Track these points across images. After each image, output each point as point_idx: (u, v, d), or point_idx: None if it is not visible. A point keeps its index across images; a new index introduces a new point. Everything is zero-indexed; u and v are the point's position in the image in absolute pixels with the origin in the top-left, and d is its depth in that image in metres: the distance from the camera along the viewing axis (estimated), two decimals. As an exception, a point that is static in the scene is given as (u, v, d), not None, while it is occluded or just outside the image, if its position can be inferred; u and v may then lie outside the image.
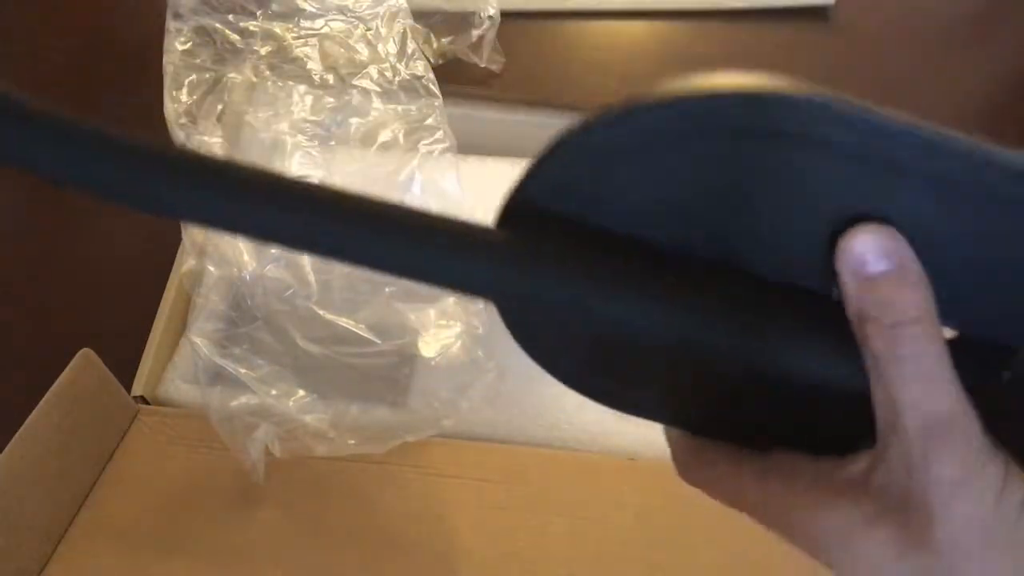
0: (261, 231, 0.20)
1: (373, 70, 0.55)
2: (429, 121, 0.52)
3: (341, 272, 0.49)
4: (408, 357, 0.51)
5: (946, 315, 0.21)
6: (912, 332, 0.20)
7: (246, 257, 0.49)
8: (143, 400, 0.53)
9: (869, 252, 0.20)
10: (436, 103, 0.54)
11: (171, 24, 0.55)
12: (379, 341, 0.48)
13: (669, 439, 0.25)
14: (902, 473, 0.20)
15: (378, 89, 0.54)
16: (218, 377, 0.49)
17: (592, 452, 0.52)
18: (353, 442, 0.47)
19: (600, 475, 0.50)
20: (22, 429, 0.45)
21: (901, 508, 0.20)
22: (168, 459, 0.51)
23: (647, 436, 0.52)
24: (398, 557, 0.47)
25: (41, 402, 0.46)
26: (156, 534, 0.48)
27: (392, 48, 0.56)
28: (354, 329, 0.48)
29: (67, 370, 0.47)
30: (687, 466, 0.24)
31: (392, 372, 0.50)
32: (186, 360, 0.55)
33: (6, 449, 0.44)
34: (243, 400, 0.47)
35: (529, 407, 0.53)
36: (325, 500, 0.49)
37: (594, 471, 0.50)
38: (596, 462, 0.51)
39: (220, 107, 0.54)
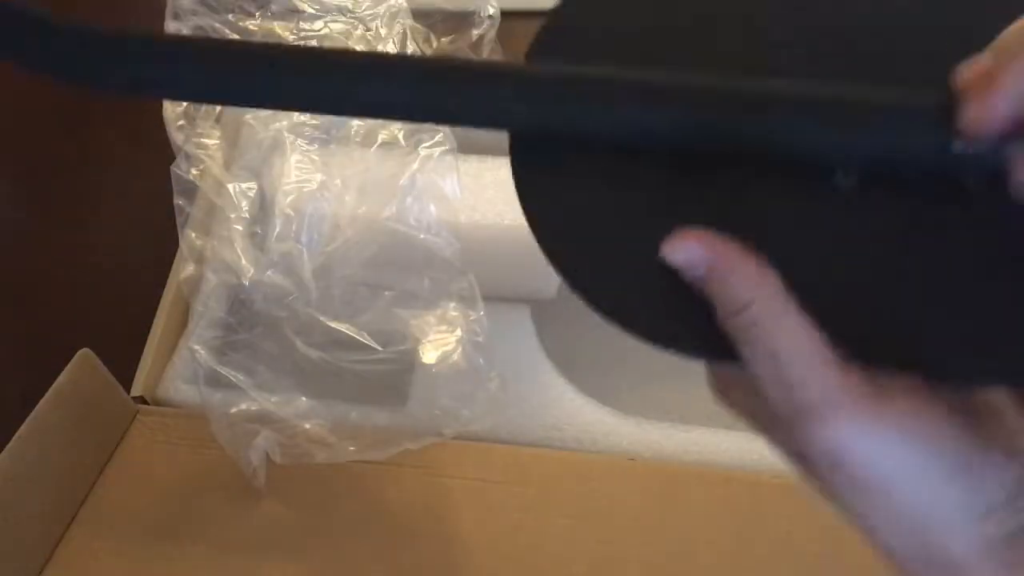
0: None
1: (373, 71, 0.55)
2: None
3: (341, 278, 0.49)
4: (408, 363, 0.51)
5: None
6: (746, 318, 0.21)
7: (244, 263, 0.49)
8: (142, 400, 0.53)
9: (681, 264, 0.22)
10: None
11: (170, 24, 0.55)
12: (379, 347, 0.48)
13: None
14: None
15: (378, 90, 0.54)
16: (218, 383, 0.49)
17: (592, 452, 0.52)
18: (353, 448, 0.47)
19: (600, 475, 0.50)
20: (22, 429, 0.45)
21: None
22: (167, 459, 0.51)
23: (647, 436, 0.52)
24: (399, 556, 0.47)
25: (41, 402, 0.46)
26: (156, 533, 0.48)
27: (392, 49, 0.56)
28: (354, 335, 0.48)
29: (67, 370, 0.47)
30: (723, 390, 0.25)
31: (392, 378, 0.50)
32: (185, 361, 0.55)
33: (6, 449, 0.44)
34: (243, 407, 0.47)
35: (529, 407, 0.53)
36: (325, 500, 0.49)
37: (594, 471, 0.50)
38: (596, 462, 0.51)
39: (219, 108, 0.53)
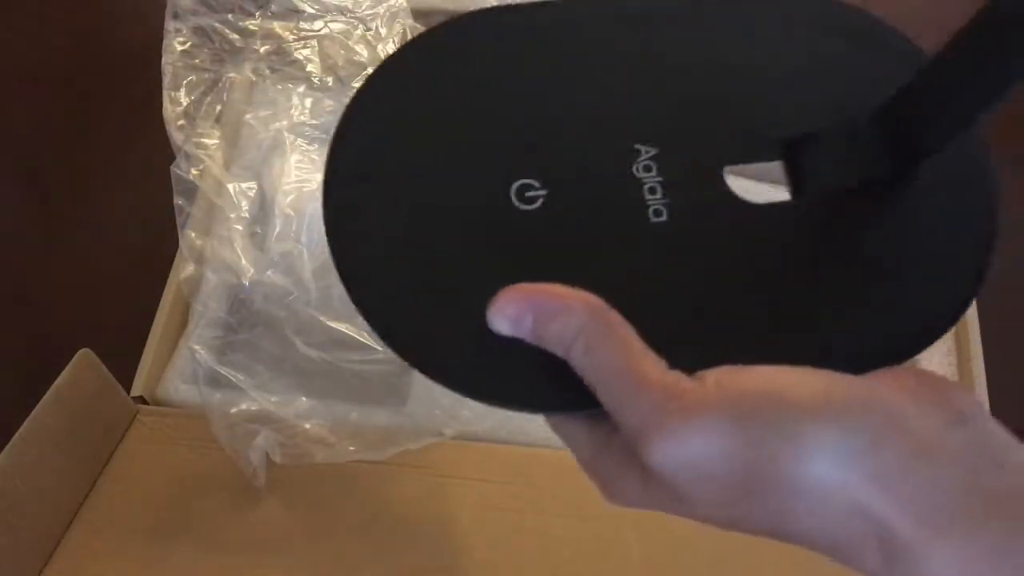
0: None
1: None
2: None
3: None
4: (408, 363, 0.50)
5: None
6: (578, 350, 0.21)
7: (244, 263, 0.49)
8: (142, 400, 0.53)
9: (502, 328, 0.22)
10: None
11: (170, 24, 0.55)
12: (379, 347, 0.48)
13: (576, 450, 0.24)
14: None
15: (378, 90, 0.54)
16: (218, 383, 0.49)
17: (592, 452, 0.52)
18: (353, 448, 0.47)
19: (600, 475, 0.50)
20: (22, 429, 0.45)
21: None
22: (167, 459, 0.51)
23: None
24: (398, 556, 0.47)
25: (41, 402, 0.46)
26: (156, 533, 0.48)
27: (392, 49, 0.56)
28: (354, 335, 0.48)
29: (67, 370, 0.47)
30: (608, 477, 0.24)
31: (392, 378, 0.50)
32: (185, 361, 0.55)
33: (6, 449, 0.44)
34: (243, 407, 0.47)
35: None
36: (325, 500, 0.49)
37: (594, 471, 0.50)
38: (596, 462, 0.51)
39: (219, 108, 0.53)
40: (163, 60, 0.54)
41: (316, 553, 0.47)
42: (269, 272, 0.49)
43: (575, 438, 0.24)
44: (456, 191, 0.24)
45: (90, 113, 0.73)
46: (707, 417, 0.20)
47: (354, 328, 0.48)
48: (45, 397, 0.46)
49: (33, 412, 0.45)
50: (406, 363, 0.24)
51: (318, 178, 0.52)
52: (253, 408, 0.48)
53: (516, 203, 0.24)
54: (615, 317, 0.21)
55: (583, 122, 0.25)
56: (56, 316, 0.62)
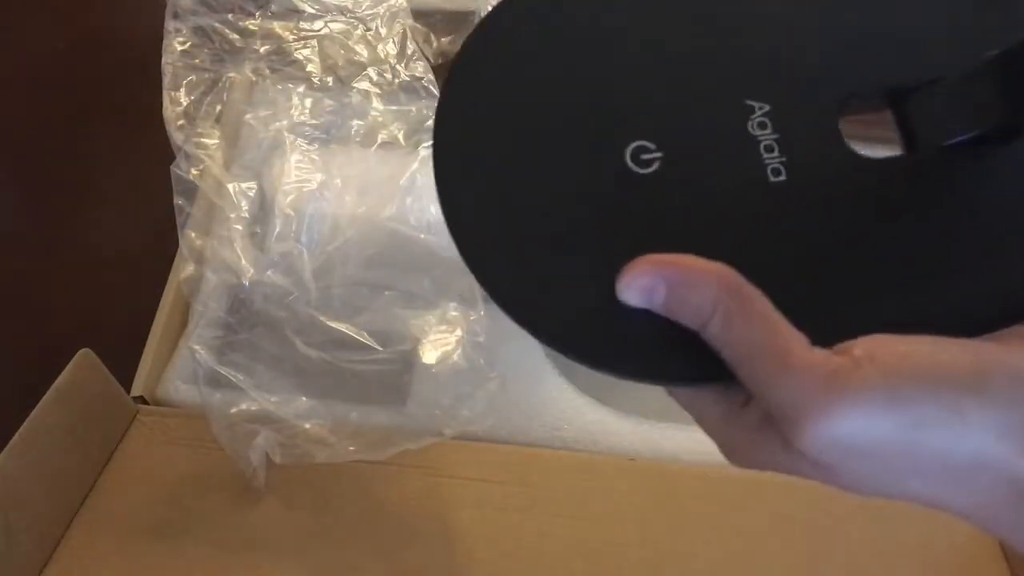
0: None
1: (373, 72, 0.55)
2: (429, 123, 0.52)
3: (341, 278, 0.49)
4: (408, 363, 0.51)
5: None
6: (712, 327, 0.21)
7: (244, 263, 0.49)
8: (143, 400, 0.53)
9: (632, 299, 0.22)
10: (436, 104, 0.54)
11: (170, 24, 0.55)
12: (379, 347, 0.48)
13: (705, 419, 0.24)
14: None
15: (378, 91, 0.54)
16: (218, 383, 0.49)
17: (592, 452, 0.52)
18: (353, 448, 0.47)
19: (600, 475, 0.50)
20: (22, 429, 0.45)
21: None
22: (167, 459, 0.51)
23: (647, 436, 0.52)
24: (399, 556, 0.47)
25: (41, 402, 0.46)
26: (156, 533, 0.48)
27: (392, 49, 0.56)
28: (354, 335, 0.48)
29: (67, 370, 0.47)
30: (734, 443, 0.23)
31: (392, 378, 0.50)
32: (185, 361, 0.55)
33: (6, 449, 0.44)
34: (243, 407, 0.47)
35: (529, 408, 0.53)
36: (325, 500, 0.49)
37: (594, 471, 0.50)
38: (596, 462, 0.51)
39: (219, 108, 0.53)
40: (163, 60, 0.54)
41: (316, 553, 0.47)
42: (269, 272, 0.49)
43: (698, 406, 0.23)
44: (569, 155, 0.24)
45: (90, 113, 0.73)
46: (862, 397, 0.19)
47: (354, 328, 0.48)
48: (45, 397, 0.46)
49: (33, 412, 0.45)
50: (525, 329, 0.23)
51: (318, 178, 0.52)
52: (253, 408, 0.47)
53: (632, 166, 0.24)
54: (752, 290, 0.21)
55: (693, 81, 0.24)
56: (56, 316, 0.62)
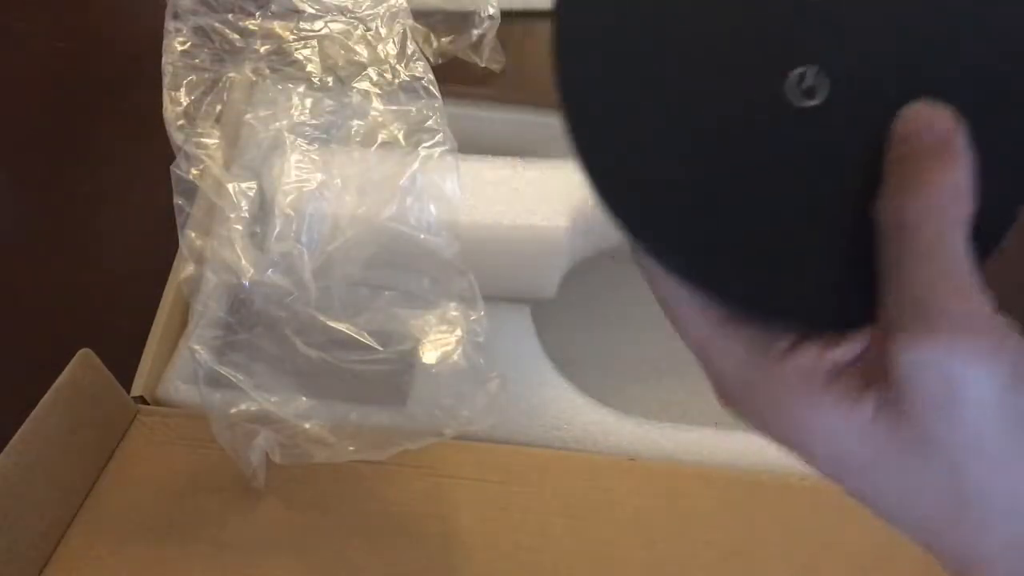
0: None
1: (373, 72, 0.55)
2: (429, 123, 0.52)
3: (341, 278, 0.49)
4: (408, 363, 0.51)
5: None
6: (930, 201, 0.20)
7: (244, 263, 0.49)
8: (143, 400, 0.53)
9: (923, 129, 0.20)
10: (436, 104, 0.54)
11: (170, 24, 0.55)
12: (379, 347, 0.48)
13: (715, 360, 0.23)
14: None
15: (378, 91, 0.54)
16: (218, 383, 0.49)
17: (592, 452, 0.52)
18: (353, 448, 0.47)
19: (600, 475, 0.50)
20: (22, 429, 0.45)
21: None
22: (167, 459, 0.51)
23: (647, 436, 0.52)
24: (399, 556, 0.47)
25: (41, 402, 0.46)
26: (156, 533, 0.48)
27: (392, 49, 0.56)
28: (354, 335, 0.48)
29: (67, 370, 0.47)
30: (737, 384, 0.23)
31: (392, 378, 0.50)
32: (185, 361, 0.55)
33: (6, 449, 0.44)
34: (243, 407, 0.47)
35: (529, 407, 0.53)
36: (325, 500, 0.49)
37: (594, 471, 0.50)
38: (596, 462, 0.51)
39: (219, 108, 0.53)
40: (163, 60, 0.54)
41: (316, 553, 0.47)
42: (269, 272, 0.49)
43: (745, 335, 0.22)
44: (722, 72, 0.21)
45: (90, 113, 0.73)
46: (1006, 358, 0.19)
47: (354, 328, 0.48)
48: (45, 397, 0.46)
49: (33, 412, 0.45)
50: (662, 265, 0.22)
51: (318, 178, 0.52)
52: (253, 408, 0.47)
53: (791, 97, 0.21)
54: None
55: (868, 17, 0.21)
56: (56, 316, 0.62)
